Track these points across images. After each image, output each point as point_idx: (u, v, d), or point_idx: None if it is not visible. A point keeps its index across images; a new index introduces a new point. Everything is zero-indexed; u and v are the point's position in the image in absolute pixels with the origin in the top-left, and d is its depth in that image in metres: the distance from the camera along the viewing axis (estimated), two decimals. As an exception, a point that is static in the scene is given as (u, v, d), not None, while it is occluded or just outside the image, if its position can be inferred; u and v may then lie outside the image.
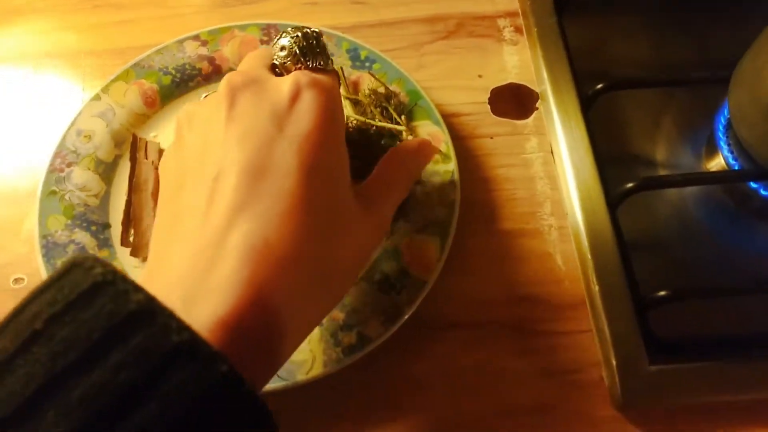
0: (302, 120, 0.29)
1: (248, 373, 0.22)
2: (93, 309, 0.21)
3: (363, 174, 0.35)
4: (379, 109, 0.44)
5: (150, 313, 0.21)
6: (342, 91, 0.45)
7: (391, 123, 0.44)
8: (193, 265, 0.26)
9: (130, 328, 0.21)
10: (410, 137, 0.43)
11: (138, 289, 0.22)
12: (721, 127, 0.46)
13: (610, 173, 0.45)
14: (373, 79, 0.46)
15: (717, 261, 0.45)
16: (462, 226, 0.42)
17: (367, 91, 0.45)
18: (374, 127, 0.43)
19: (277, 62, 0.33)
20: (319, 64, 0.33)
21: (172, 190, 0.30)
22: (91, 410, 0.20)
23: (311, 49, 0.33)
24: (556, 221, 0.44)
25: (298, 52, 0.33)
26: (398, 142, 0.43)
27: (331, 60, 0.34)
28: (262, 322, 0.25)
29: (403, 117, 0.44)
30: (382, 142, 0.43)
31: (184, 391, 0.20)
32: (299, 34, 0.33)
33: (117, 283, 0.22)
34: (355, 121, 0.44)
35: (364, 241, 0.32)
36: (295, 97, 0.30)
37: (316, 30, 0.34)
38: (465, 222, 0.42)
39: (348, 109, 0.45)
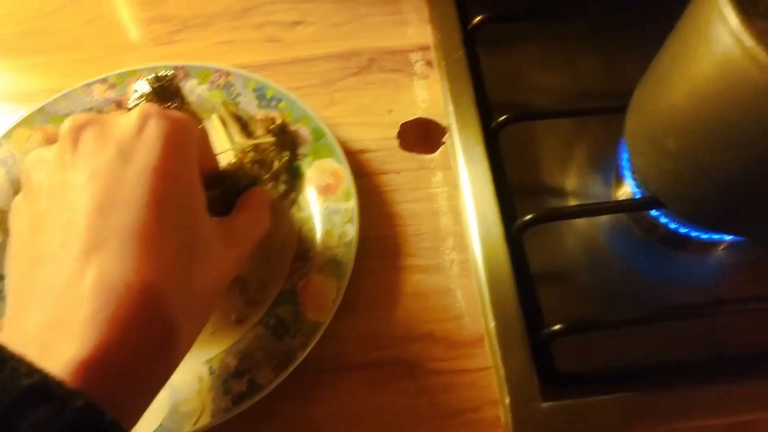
0: (149, 150, 0.29)
1: (117, 408, 0.23)
2: None
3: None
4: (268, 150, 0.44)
5: None
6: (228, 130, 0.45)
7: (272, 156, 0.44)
8: (52, 311, 0.26)
9: None
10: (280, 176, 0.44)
11: None
12: (624, 156, 0.46)
13: (520, 203, 0.45)
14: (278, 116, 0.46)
15: (624, 290, 0.45)
16: (363, 264, 0.42)
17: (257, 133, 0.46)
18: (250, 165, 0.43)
19: (130, 105, 0.33)
20: (173, 105, 0.33)
21: (25, 237, 0.29)
22: None
23: (164, 91, 0.33)
24: (458, 256, 0.44)
25: (151, 94, 0.33)
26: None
27: (186, 102, 0.35)
28: (126, 357, 0.25)
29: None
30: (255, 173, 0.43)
31: (40, 431, 0.21)
32: (153, 76, 0.34)
33: None
34: (232, 159, 0.43)
35: (223, 270, 0.32)
36: (140, 127, 0.29)
37: (170, 72, 0.35)
38: (366, 259, 0.42)
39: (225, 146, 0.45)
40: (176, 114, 0.31)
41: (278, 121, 0.46)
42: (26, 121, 0.46)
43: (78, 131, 0.29)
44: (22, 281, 0.28)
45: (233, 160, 0.43)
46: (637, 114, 0.41)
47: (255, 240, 0.36)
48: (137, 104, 0.33)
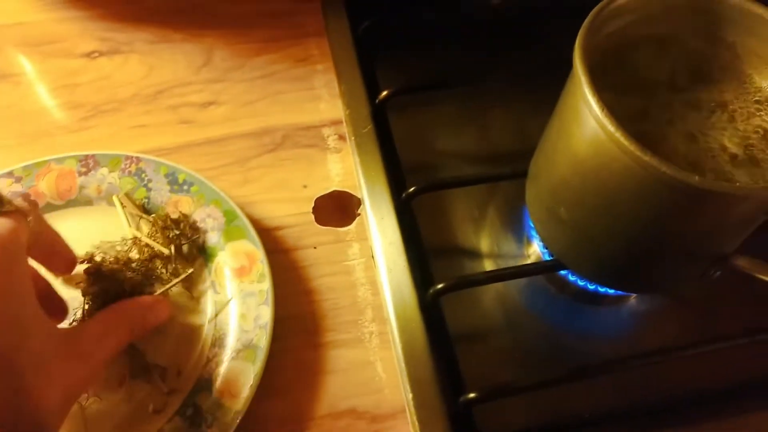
0: None
1: None
2: None
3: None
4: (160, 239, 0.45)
5: None
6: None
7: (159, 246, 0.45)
8: None
9: None
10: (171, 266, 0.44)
11: None
12: (529, 220, 0.48)
13: (437, 267, 0.47)
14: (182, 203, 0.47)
15: (544, 348, 0.46)
16: (281, 344, 0.42)
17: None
18: (132, 270, 0.43)
19: None
20: None
21: None
22: None
23: None
24: (376, 327, 0.44)
25: None
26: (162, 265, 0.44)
27: (8, 200, 0.33)
28: None
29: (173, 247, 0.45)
30: (144, 267, 0.44)
31: None
32: None
33: None
34: (112, 260, 0.43)
35: (68, 386, 0.31)
36: None
37: None
38: (283, 338, 0.42)
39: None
40: None
41: (173, 217, 0.47)
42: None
43: None
44: None
45: (123, 253, 0.44)
46: (534, 183, 0.43)
47: (109, 352, 0.34)
48: None
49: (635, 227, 0.35)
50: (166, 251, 0.44)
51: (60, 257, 0.39)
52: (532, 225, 0.45)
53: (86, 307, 0.41)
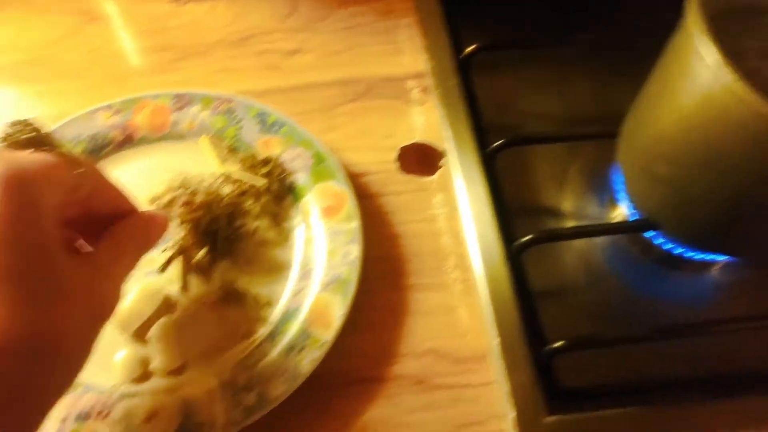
0: None
1: None
2: None
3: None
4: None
5: None
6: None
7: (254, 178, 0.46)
8: None
9: None
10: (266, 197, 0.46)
11: None
12: (618, 179, 0.48)
13: (518, 223, 0.47)
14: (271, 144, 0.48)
15: (624, 308, 0.46)
16: (366, 283, 0.42)
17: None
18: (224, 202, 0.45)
19: None
20: (38, 149, 0.32)
21: None
22: None
23: (29, 140, 0.33)
24: (460, 274, 0.45)
25: (8, 139, 0.33)
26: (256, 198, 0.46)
27: (58, 147, 0.34)
28: None
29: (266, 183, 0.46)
30: (237, 224, 0.45)
31: None
32: (11, 122, 0.33)
33: None
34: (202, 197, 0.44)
35: (94, 307, 0.31)
36: None
37: (30, 118, 0.34)
38: (370, 278, 0.43)
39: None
40: (25, 157, 0.30)
41: (260, 158, 0.48)
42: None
43: None
44: None
45: (214, 187, 0.45)
46: (629, 140, 0.43)
47: (126, 269, 0.35)
48: None
49: (743, 183, 0.34)
50: (260, 182, 0.44)
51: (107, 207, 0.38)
52: (623, 185, 0.45)
53: (183, 234, 0.42)
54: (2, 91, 0.54)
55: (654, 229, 0.44)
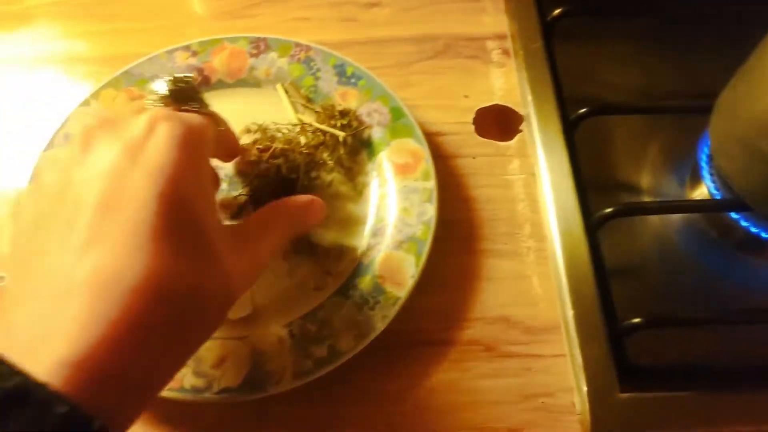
0: (156, 152, 0.28)
1: (108, 411, 0.22)
2: None
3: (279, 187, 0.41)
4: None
5: None
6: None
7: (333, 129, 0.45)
8: (43, 306, 0.25)
9: None
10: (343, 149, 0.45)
11: None
12: (704, 157, 0.46)
13: (592, 197, 0.45)
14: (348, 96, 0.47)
15: (696, 290, 0.44)
16: (439, 244, 0.42)
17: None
18: (302, 154, 0.44)
19: (147, 106, 0.33)
20: (192, 107, 0.33)
21: (26, 234, 0.29)
22: None
23: (181, 92, 0.33)
24: (534, 243, 0.44)
25: (168, 96, 0.33)
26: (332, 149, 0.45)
27: (206, 103, 0.35)
28: (120, 357, 0.24)
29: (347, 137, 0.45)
30: (313, 151, 0.44)
31: None
32: (171, 78, 0.34)
33: None
34: (280, 147, 0.44)
35: (235, 277, 0.31)
36: (149, 130, 0.29)
37: (190, 75, 0.35)
38: (443, 240, 0.42)
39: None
40: (189, 117, 0.31)
41: (339, 109, 0.46)
42: (112, 83, 0.47)
43: (89, 133, 0.29)
44: (17, 278, 0.28)
45: (291, 136, 0.45)
46: (727, 115, 0.41)
47: (270, 250, 0.35)
48: (155, 107, 0.33)
49: None
50: (340, 134, 0.44)
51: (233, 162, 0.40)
52: (713, 162, 0.43)
53: (254, 183, 0.42)
54: (82, 27, 0.54)
55: (745, 209, 0.42)
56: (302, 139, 0.45)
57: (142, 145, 0.28)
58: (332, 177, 0.44)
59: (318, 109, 0.46)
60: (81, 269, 0.25)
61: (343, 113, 0.46)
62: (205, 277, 0.28)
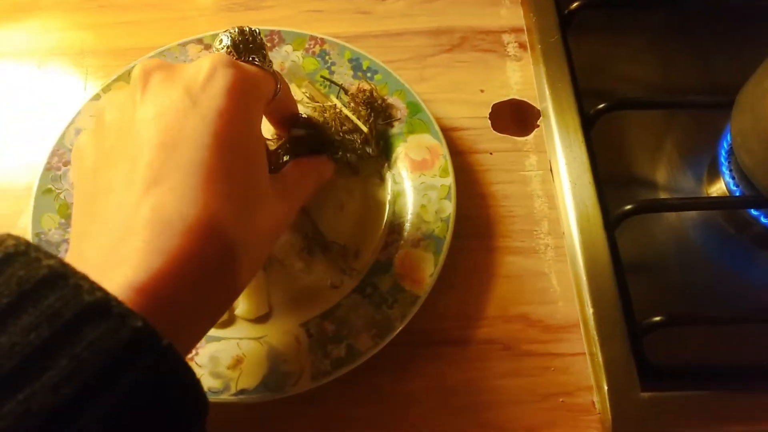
0: (216, 95, 0.29)
1: (170, 334, 0.23)
2: (3, 277, 0.22)
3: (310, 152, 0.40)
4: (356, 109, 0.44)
5: (62, 276, 0.22)
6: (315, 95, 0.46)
7: (359, 122, 0.44)
8: (109, 239, 0.26)
9: (41, 291, 0.22)
10: (368, 145, 0.44)
11: (50, 256, 0.22)
12: (723, 152, 0.45)
13: (609, 193, 0.45)
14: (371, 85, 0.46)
15: (715, 288, 0.44)
16: (455, 241, 0.41)
17: (353, 91, 0.46)
18: (335, 118, 0.43)
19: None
20: (254, 59, 0.34)
21: (89, 172, 0.30)
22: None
23: (246, 45, 0.34)
24: (552, 240, 0.43)
25: (233, 46, 0.34)
26: (356, 140, 0.43)
27: (269, 60, 0.35)
28: (180, 286, 0.25)
29: (371, 122, 0.44)
30: (341, 135, 0.43)
31: (98, 347, 0.21)
32: (237, 29, 0.34)
33: (29, 253, 0.22)
34: (317, 107, 0.44)
35: (274, 222, 0.32)
36: (210, 74, 0.30)
37: (256, 29, 0.35)
38: (459, 237, 0.42)
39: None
40: (249, 68, 0.32)
41: (367, 92, 0.45)
42: (123, 77, 0.46)
43: (148, 74, 0.30)
44: (83, 214, 0.29)
45: (322, 113, 0.44)
46: (750, 110, 0.40)
47: (305, 195, 0.37)
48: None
49: None
50: (364, 127, 0.43)
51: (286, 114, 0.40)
52: (734, 158, 0.43)
53: (287, 146, 0.40)
54: (91, 19, 0.54)
55: (766, 206, 0.41)
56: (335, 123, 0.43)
57: (202, 89, 0.29)
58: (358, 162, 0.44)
59: (350, 95, 0.46)
60: (144, 207, 0.26)
61: (371, 102, 0.45)
62: (254, 217, 0.30)
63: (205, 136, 0.28)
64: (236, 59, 0.33)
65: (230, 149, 0.29)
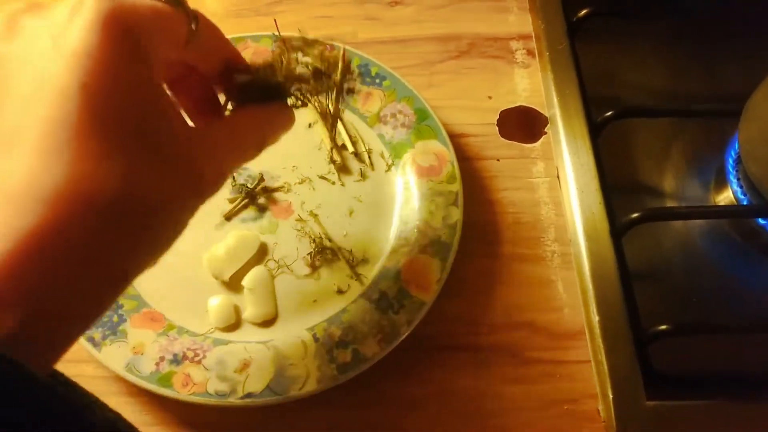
0: (79, 34, 0.23)
1: (15, 341, 0.20)
2: None
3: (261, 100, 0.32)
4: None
5: None
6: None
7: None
8: None
9: None
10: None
11: None
12: (731, 161, 0.45)
13: (616, 201, 0.45)
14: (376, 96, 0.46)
15: (721, 296, 0.44)
16: (463, 248, 0.41)
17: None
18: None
19: None
20: None
21: None
22: None
23: None
24: (559, 248, 0.43)
25: None
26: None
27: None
28: (30, 280, 0.21)
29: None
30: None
31: None
32: None
33: None
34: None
35: (195, 183, 0.27)
36: (76, 6, 0.24)
37: None
38: (467, 243, 0.42)
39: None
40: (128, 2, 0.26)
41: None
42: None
43: (14, 17, 0.25)
44: None
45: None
46: (758, 119, 0.41)
47: (239, 158, 0.31)
48: None
49: None
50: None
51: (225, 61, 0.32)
52: (742, 167, 0.43)
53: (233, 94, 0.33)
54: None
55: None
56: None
57: (66, 24, 0.24)
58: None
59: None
60: None
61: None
62: (148, 183, 0.24)
63: (68, 85, 0.23)
64: None
65: (107, 98, 0.23)
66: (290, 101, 0.34)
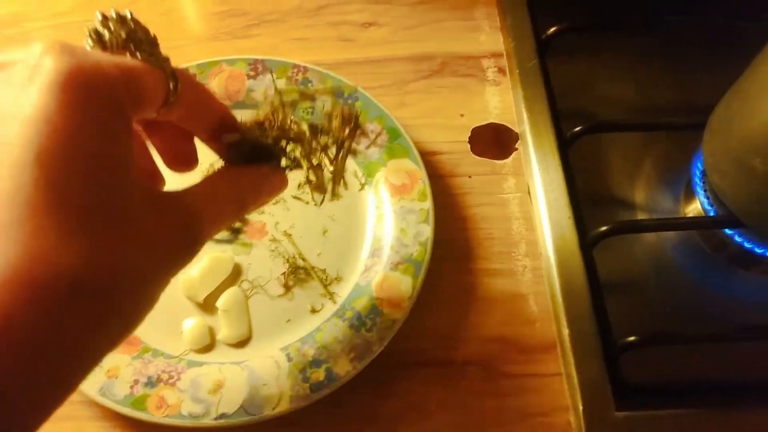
0: (36, 96, 0.21)
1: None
2: None
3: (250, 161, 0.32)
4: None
5: None
6: None
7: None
8: None
9: None
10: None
11: None
12: (698, 173, 0.46)
13: (587, 214, 0.45)
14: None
15: (692, 306, 0.45)
16: (435, 264, 0.42)
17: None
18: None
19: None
20: (137, 54, 0.26)
21: None
22: None
23: (130, 37, 0.26)
24: (530, 262, 0.44)
25: (96, 37, 0.26)
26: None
27: (163, 56, 0.28)
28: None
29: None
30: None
31: None
32: (114, 14, 0.27)
33: None
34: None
35: (165, 253, 0.25)
36: (37, 65, 0.22)
37: (127, 13, 0.27)
38: (439, 260, 0.43)
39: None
40: (92, 53, 0.25)
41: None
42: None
43: None
44: None
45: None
46: (720, 132, 0.41)
47: (219, 223, 0.29)
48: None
49: None
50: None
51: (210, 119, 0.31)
52: (707, 179, 0.44)
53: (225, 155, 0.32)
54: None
55: (739, 226, 0.42)
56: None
57: (23, 88, 0.22)
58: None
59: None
60: None
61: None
62: (113, 261, 0.22)
63: (22, 154, 0.21)
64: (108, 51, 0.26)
65: (67, 169, 0.21)
66: (284, 162, 0.34)
